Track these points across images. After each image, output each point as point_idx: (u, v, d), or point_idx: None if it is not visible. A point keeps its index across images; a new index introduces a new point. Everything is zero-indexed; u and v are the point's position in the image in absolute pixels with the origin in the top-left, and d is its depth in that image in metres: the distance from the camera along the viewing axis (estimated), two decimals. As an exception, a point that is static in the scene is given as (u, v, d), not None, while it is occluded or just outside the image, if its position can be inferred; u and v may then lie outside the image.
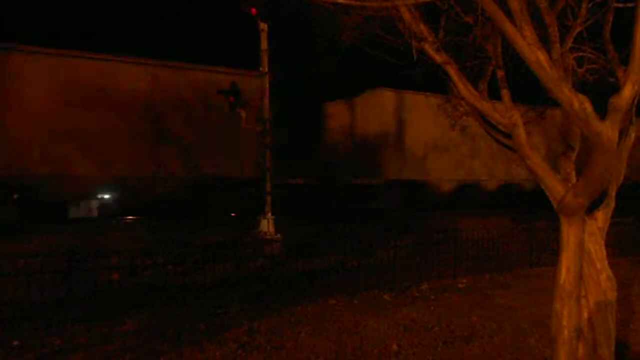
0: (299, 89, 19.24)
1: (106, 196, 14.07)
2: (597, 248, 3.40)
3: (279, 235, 10.61)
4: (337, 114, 21.47)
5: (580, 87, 3.85)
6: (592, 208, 3.33)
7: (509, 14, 2.80)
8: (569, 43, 3.65)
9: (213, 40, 15.00)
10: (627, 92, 2.63)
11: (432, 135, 19.12)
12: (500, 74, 3.81)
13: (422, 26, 3.53)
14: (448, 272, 7.94)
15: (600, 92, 3.65)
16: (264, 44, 11.12)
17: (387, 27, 4.09)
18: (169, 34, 14.03)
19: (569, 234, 3.27)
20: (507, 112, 3.52)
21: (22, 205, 12.78)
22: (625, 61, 2.91)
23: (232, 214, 14.54)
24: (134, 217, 13.91)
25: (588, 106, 2.70)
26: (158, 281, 6.96)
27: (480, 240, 8.75)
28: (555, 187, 3.30)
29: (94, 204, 13.86)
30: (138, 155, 14.22)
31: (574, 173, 3.66)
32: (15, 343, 4.82)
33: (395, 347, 4.77)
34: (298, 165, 16.99)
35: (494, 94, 3.91)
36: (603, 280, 3.38)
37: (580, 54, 3.90)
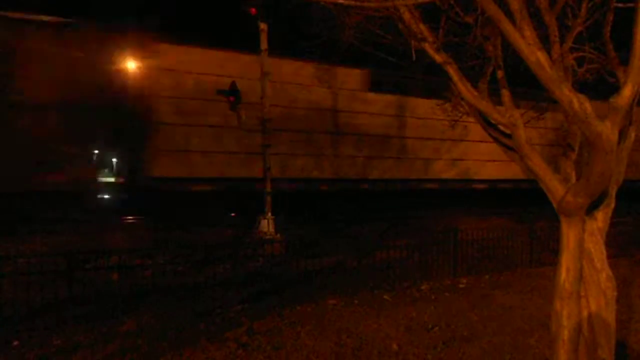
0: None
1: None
2: (597, 248, 3.40)
3: (279, 235, 10.62)
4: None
5: (580, 87, 3.85)
6: (592, 208, 3.33)
7: (509, 14, 2.80)
8: (569, 43, 3.65)
9: (212, 40, 14.89)
10: (627, 92, 2.63)
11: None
12: (500, 74, 3.81)
13: (422, 26, 3.53)
14: (448, 272, 7.94)
15: (601, 92, 3.65)
16: (263, 44, 11.13)
17: (387, 27, 4.09)
18: (167, 32, 13.94)
19: (569, 234, 3.27)
20: (507, 112, 3.52)
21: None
22: (625, 61, 2.91)
23: (232, 214, 14.53)
24: (134, 217, 13.89)
25: (588, 106, 2.70)
26: (158, 281, 6.95)
27: (480, 240, 8.74)
28: (555, 187, 3.30)
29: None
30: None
31: (574, 173, 3.66)
32: (15, 343, 4.83)
33: (395, 347, 4.77)
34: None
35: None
36: (603, 280, 3.38)
37: (580, 54, 3.90)
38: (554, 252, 4.63)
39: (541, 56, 2.76)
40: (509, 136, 3.61)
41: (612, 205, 3.48)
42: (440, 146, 19.61)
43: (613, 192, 3.47)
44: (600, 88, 4.03)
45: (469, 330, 5.26)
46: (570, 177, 3.64)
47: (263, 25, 11.02)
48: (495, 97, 3.76)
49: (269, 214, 11.01)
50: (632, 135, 3.42)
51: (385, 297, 6.65)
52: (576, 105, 2.71)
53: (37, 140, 11.71)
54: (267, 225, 10.88)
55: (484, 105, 3.58)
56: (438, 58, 3.59)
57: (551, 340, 3.41)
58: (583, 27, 3.70)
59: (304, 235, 10.88)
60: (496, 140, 3.85)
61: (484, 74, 4.00)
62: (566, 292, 3.28)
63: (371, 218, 14.90)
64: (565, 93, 2.73)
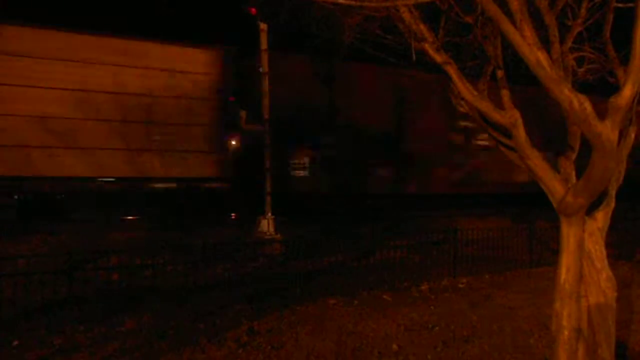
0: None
1: None
2: (597, 248, 3.41)
3: (279, 235, 10.62)
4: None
5: (580, 87, 3.86)
6: (592, 208, 3.33)
7: (509, 14, 2.80)
8: (569, 43, 3.65)
9: (211, 40, 14.89)
10: (627, 92, 2.63)
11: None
12: (500, 74, 3.81)
13: (422, 26, 3.53)
14: (448, 272, 7.93)
15: (601, 92, 3.66)
16: (263, 44, 11.13)
17: (387, 27, 4.09)
18: (165, 31, 13.87)
19: (569, 234, 3.28)
20: (507, 112, 3.52)
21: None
22: (625, 61, 2.91)
23: (232, 215, 14.52)
24: (134, 217, 13.87)
25: (588, 106, 2.70)
26: (158, 281, 6.95)
27: (480, 240, 8.74)
28: (555, 187, 3.30)
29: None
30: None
31: (574, 173, 3.66)
32: (15, 343, 4.82)
33: (395, 347, 4.77)
34: None
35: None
36: (603, 280, 3.39)
37: (580, 54, 3.90)
38: (554, 252, 4.64)
39: (541, 56, 2.76)
40: (509, 136, 3.61)
41: (612, 205, 3.48)
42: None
43: (613, 192, 3.48)
44: (600, 88, 4.04)
45: (469, 330, 5.26)
46: (570, 177, 3.64)
47: (263, 25, 11.03)
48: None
49: (269, 214, 11.01)
50: (632, 135, 3.43)
51: (385, 297, 6.65)
52: (576, 105, 2.71)
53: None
54: (267, 225, 10.88)
55: (484, 105, 3.58)
56: (438, 58, 3.59)
57: (551, 340, 3.42)
58: (583, 27, 3.71)
59: (304, 234, 10.88)
60: (496, 140, 3.85)
61: (484, 74, 4.00)
62: (566, 292, 3.28)
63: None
64: (565, 93, 2.73)
